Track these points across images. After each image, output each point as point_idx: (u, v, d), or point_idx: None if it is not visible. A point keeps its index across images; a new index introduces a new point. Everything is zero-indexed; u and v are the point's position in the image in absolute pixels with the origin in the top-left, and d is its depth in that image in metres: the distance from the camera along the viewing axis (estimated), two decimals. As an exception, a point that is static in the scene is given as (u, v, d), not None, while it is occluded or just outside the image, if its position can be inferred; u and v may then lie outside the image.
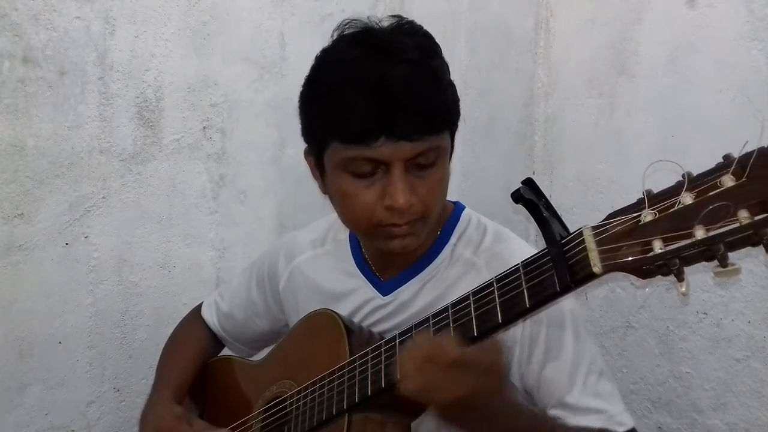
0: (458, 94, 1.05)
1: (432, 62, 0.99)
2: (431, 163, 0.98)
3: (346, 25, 1.03)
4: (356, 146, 0.96)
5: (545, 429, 0.88)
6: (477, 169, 1.94)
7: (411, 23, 1.04)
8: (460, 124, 1.06)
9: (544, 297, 0.78)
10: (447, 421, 0.85)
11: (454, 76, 1.04)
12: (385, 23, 1.03)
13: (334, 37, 1.03)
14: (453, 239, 1.11)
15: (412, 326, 0.91)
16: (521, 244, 1.11)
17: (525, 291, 0.79)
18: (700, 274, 1.61)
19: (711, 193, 0.65)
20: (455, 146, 1.06)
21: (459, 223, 1.13)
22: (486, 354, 0.82)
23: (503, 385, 0.83)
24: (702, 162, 0.70)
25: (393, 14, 1.05)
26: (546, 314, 0.80)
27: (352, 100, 0.95)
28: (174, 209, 1.56)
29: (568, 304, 1.01)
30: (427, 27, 1.05)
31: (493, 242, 1.10)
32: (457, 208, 1.15)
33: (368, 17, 1.04)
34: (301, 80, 1.05)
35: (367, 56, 0.96)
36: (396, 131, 0.94)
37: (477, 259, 1.09)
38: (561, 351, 0.99)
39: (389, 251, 1.04)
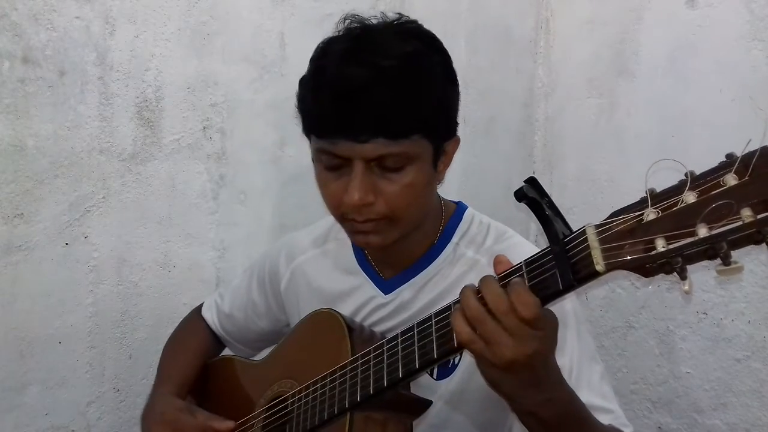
0: (456, 99, 1.04)
1: (410, 67, 0.96)
2: (399, 167, 0.98)
3: (347, 19, 1.03)
4: (323, 140, 0.99)
5: (579, 403, 0.87)
6: (477, 169, 1.94)
7: (410, 24, 1.03)
8: (460, 124, 1.06)
9: (547, 295, 0.77)
10: (495, 382, 0.80)
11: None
12: (385, 21, 1.03)
13: (337, 30, 1.03)
14: (455, 238, 1.12)
15: (414, 325, 0.91)
16: (524, 242, 1.11)
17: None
18: (700, 274, 1.61)
19: (714, 192, 0.65)
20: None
21: (461, 222, 1.13)
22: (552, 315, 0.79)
23: (553, 352, 0.81)
24: (702, 162, 0.69)
25: (398, 12, 1.05)
26: None
27: (317, 97, 0.98)
28: (174, 209, 1.56)
29: (570, 303, 1.01)
30: (427, 27, 1.04)
31: (495, 241, 1.10)
32: (460, 208, 1.15)
33: (381, 12, 1.04)
34: (302, 80, 1.05)
35: (342, 55, 0.97)
36: (352, 133, 0.95)
37: (479, 257, 1.09)
38: (565, 350, 0.98)
39: (357, 244, 1.05)
